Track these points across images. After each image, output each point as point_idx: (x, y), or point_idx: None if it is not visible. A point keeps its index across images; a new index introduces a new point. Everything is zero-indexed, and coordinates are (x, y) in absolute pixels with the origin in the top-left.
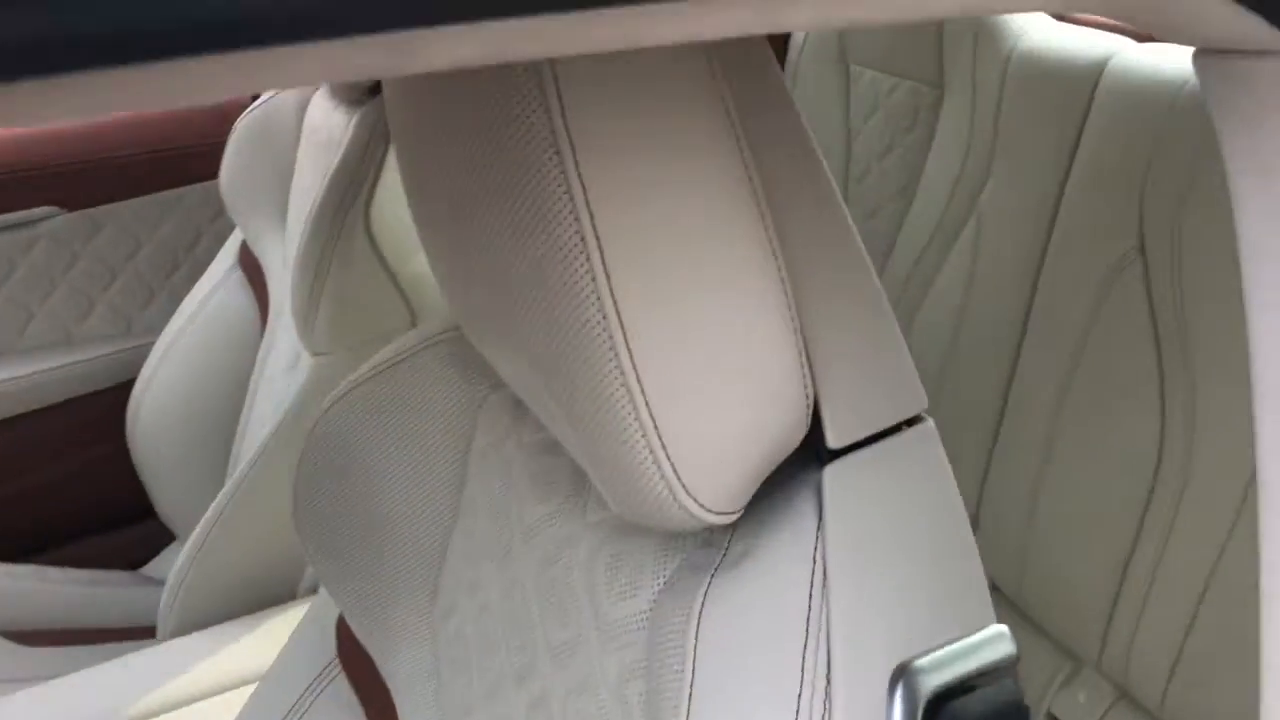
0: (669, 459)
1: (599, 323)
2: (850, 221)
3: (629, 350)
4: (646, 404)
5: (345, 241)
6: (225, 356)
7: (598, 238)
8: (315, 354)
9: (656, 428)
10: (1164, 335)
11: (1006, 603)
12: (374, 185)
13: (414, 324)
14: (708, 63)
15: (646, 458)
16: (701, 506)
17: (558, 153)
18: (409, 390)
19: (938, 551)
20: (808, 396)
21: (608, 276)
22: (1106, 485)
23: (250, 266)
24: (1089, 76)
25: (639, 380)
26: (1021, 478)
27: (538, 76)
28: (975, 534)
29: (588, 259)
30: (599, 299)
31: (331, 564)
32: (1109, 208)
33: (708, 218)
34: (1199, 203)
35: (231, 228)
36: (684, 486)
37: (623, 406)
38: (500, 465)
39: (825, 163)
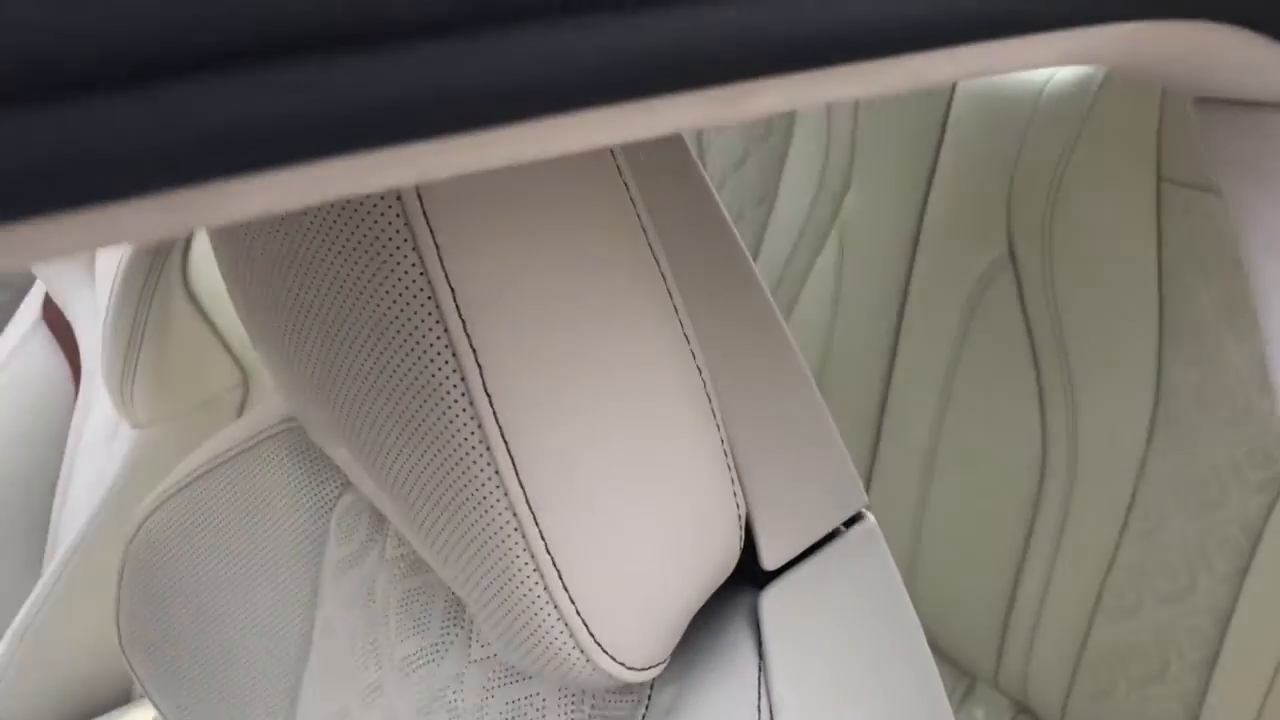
0: (579, 614)
1: (480, 456)
2: (771, 299)
3: (521, 486)
4: (547, 549)
5: (161, 299)
6: (34, 424)
7: (474, 350)
8: (136, 426)
9: (561, 577)
10: (1040, 345)
11: None
12: (191, 233)
13: (247, 386)
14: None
15: (550, 614)
16: (621, 665)
17: (416, 248)
18: (241, 495)
19: (895, 675)
20: (740, 518)
21: (489, 397)
22: (991, 498)
23: (57, 323)
24: None
25: (536, 521)
26: (904, 494)
27: None
28: None
29: (462, 379)
30: (479, 425)
31: (168, 701)
32: (975, 214)
33: (610, 316)
34: (1068, 206)
35: (32, 280)
36: (599, 644)
37: (516, 554)
38: (360, 586)
39: (742, 243)
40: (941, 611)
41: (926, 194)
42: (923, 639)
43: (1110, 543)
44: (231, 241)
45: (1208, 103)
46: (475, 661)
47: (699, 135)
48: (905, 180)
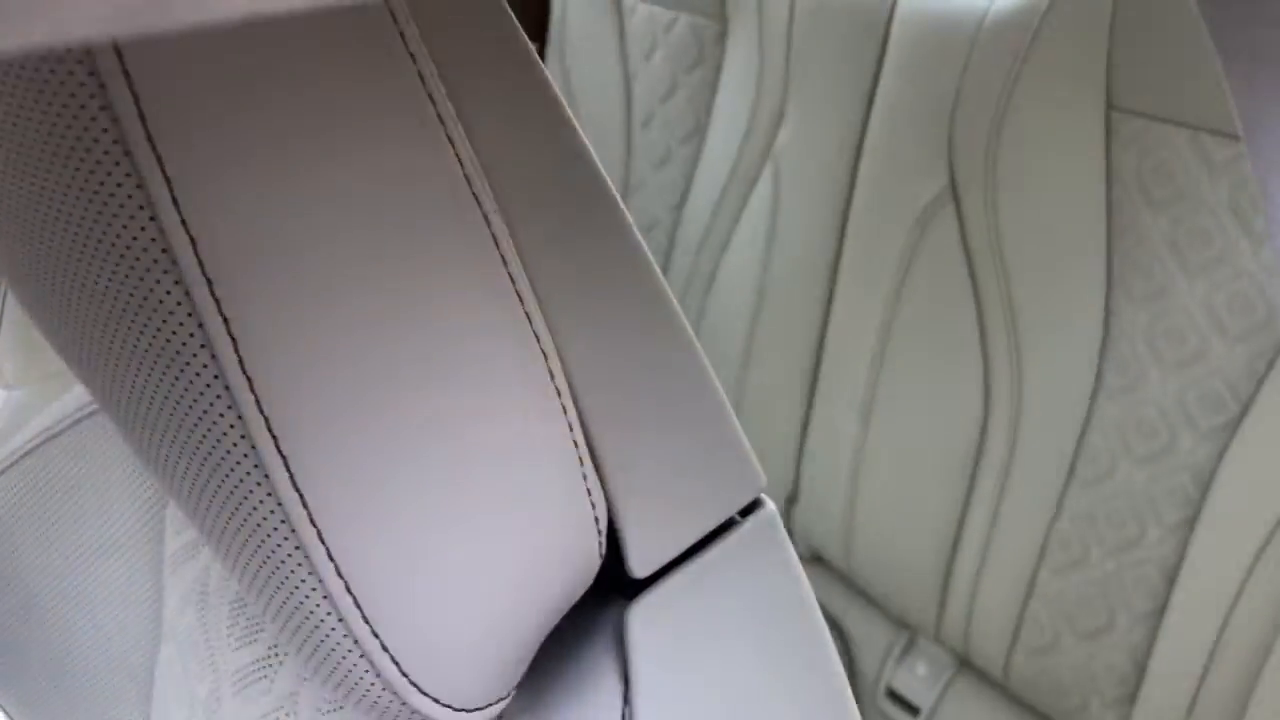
0: (385, 648)
1: (245, 458)
2: (637, 235)
3: (300, 496)
4: (338, 572)
5: None
6: None
7: (224, 319)
8: (5, 388)
9: (359, 605)
10: (982, 284)
11: (834, 574)
12: None
13: None
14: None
15: (349, 649)
16: (446, 707)
17: (141, 186)
18: (76, 472)
19: (792, 693)
20: (598, 519)
21: (249, 380)
22: (931, 448)
23: None
24: (883, 2)
25: (322, 540)
26: (841, 442)
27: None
28: (795, 506)
29: (214, 357)
30: (239, 417)
31: (11, 694)
32: (916, 147)
33: (407, 260)
34: (1013, 137)
35: None
36: (414, 684)
37: (301, 577)
38: (194, 585)
39: (592, 149)
40: (882, 563)
41: (865, 125)
42: (828, 641)
43: (1056, 491)
44: None
45: None
46: (309, 680)
47: (625, 66)
48: (842, 110)
